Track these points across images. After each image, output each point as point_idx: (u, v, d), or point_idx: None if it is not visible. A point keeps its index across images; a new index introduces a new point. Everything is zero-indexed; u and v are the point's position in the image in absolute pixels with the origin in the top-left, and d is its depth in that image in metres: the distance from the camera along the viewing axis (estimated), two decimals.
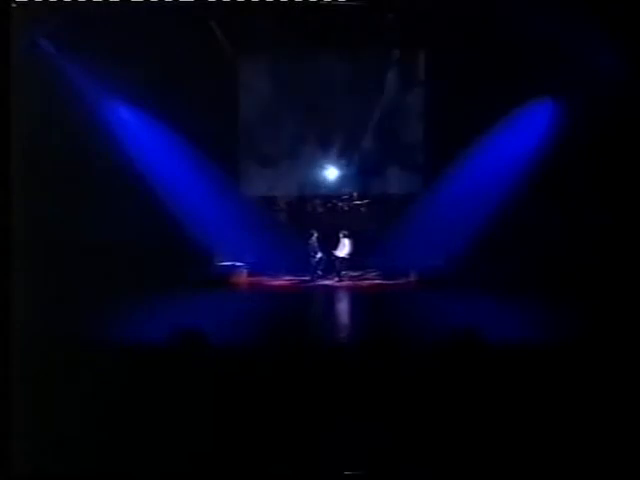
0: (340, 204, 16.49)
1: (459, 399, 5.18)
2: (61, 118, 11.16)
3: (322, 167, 16.27)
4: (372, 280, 14.97)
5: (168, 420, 5.07)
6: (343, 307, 13.20)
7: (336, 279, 14.69)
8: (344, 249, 14.65)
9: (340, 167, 16.25)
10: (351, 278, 14.90)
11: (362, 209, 16.45)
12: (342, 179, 16.30)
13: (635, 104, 10.46)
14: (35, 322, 5.99)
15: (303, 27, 13.13)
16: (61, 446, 4.89)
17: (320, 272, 14.79)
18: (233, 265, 14.74)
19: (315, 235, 14.81)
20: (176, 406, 5.14)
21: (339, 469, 4.82)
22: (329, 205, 16.54)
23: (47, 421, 5.04)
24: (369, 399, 5.23)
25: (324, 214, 16.43)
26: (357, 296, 13.65)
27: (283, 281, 14.82)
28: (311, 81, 15.70)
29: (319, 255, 14.72)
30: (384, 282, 14.74)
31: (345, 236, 14.70)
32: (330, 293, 13.92)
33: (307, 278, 14.73)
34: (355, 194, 16.37)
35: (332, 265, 14.79)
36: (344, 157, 16.19)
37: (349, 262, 14.80)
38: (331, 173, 16.29)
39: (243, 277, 14.69)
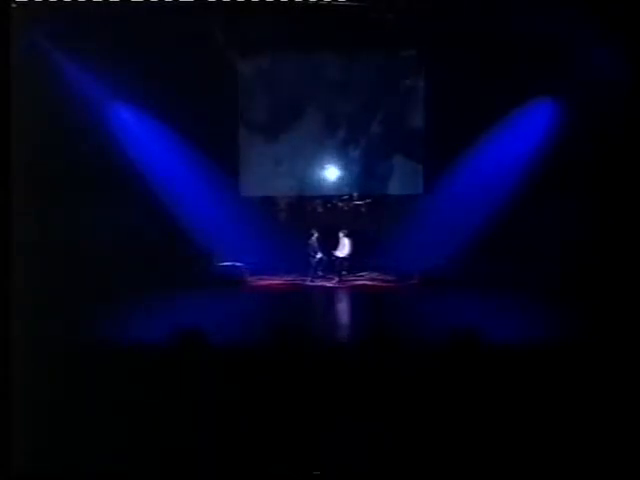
0: (340, 204, 16.47)
1: (459, 399, 5.18)
2: (61, 118, 11.17)
3: (322, 167, 16.26)
4: (372, 280, 14.96)
5: (168, 420, 5.07)
6: (343, 307, 13.20)
7: (336, 279, 14.68)
8: (344, 249, 14.64)
9: (340, 167, 16.24)
10: (351, 278, 14.88)
11: (362, 209, 16.43)
12: (342, 179, 16.28)
13: (635, 104, 10.46)
14: (35, 322, 5.99)
15: (303, 27, 13.13)
16: (61, 446, 4.89)
17: (320, 272, 14.78)
18: (233, 265, 14.73)
19: (315, 235, 14.81)
20: (176, 406, 5.14)
21: (339, 469, 4.82)
22: (329, 205, 16.52)
23: (47, 421, 5.04)
24: (369, 399, 5.23)
25: (324, 214, 16.41)
26: (357, 296, 13.64)
27: (283, 281, 14.81)
28: (311, 81, 15.69)
29: (319, 255, 14.71)
30: (384, 282, 14.73)
31: (345, 236, 14.69)
32: (330, 293, 13.92)
33: (307, 278, 14.73)
34: (355, 194, 16.36)
35: (332, 265, 14.78)
36: (344, 157, 16.19)
37: (349, 262, 14.79)
38: (331, 173, 16.29)
39: (243, 277, 14.68)
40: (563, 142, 12.30)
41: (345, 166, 16.21)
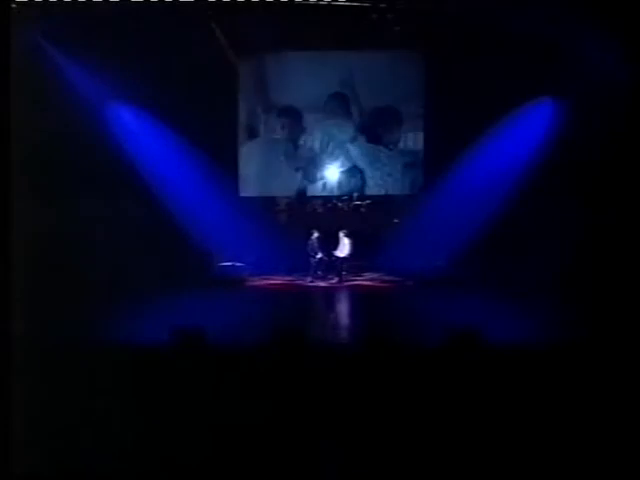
0: (340, 204, 16.46)
1: (459, 399, 5.18)
2: (61, 118, 11.17)
3: (322, 167, 16.25)
4: (372, 280, 14.96)
5: (168, 420, 5.08)
6: (343, 308, 13.20)
7: (336, 279, 14.67)
8: (344, 249, 14.64)
9: (340, 167, 16.23)
10: (351, 278, 14.88)
11: (362, 209, 16.43)
12: (342, 179, 16.28)
13: (635, 104, 10.47)
14: (35, 322, 5.99)
15: (303, 27, 13.15)
16: (61, 446, 4.89)
17: (320, 272, 14.77)
18: (233, 265, 14.73)
19: (315, 235, 14.80)
20: (176, 406, 5.15)
21: (338, 469, 4.82)
22: (329, 205, 16.51)
23: (47, 421, 5.04)
24: (369, 399, 5.23)
25: (324, 214, 16.40)
26: (357, 296, 13.64)
27: (283, 281, 14.81)
28: (311, 81, 15.69)
29: (319, 255, 14.71)
30: (384, 282, 14.73)
31: (345, 236, 14.69)
32: (330, 293, 13.92)
33: (307, 278, 14.72)
34: (355, 194, 16.36)
35: (332, 265, 14.77)
36: (344, 157, 16.18)
37: (349, 262, 14.79)
38: (331, 173, 16.28)
39: (243, 277, 14.68)
40: (563, 142, 12.30)
41: (345, 166, 16.20)
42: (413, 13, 12.66)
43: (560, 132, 12.64)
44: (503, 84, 12.61)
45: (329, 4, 11.59)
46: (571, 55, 11.67)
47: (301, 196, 16.38)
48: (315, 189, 16.32)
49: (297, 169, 16.18)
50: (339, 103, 15.90)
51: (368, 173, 16.15)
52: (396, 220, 16.00)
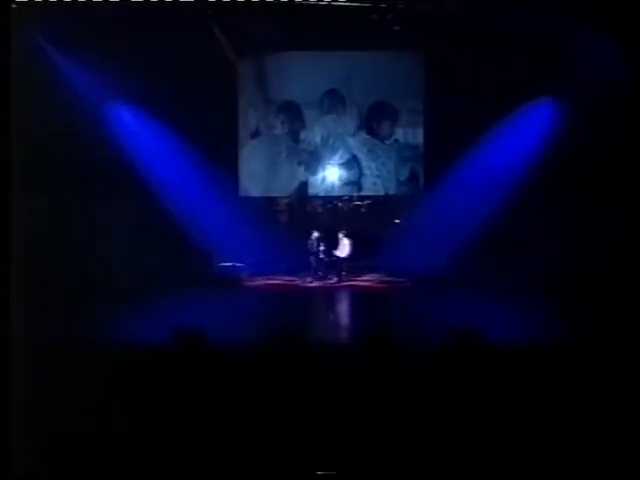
0: (340, 204, 16.46)
1: (460, 400, 5.18)
2: (61, 118, 11.17)
3: (322, 167, 16.25)
4: (372, 280, 14.95)
5: (168, 420, 5.08)
6: (343, 308, 13.20)
7: (336, 280, 14.67)
8: (344, 249, 14.64)
9: (340, 167, 16.23)
10: (351, 278, 14.88)
11: (362, 209, 16.42)
12: (342, 179, 16.28)
13: (635, 104, 10.47)
14: (35, 322, 5.99)
15: (303, 27, 13.15)
16: (61, 446, 4.89)
17: (320, 273, 14.77)
18: (233, 265, 14.73)
19: (315, 235, 14.80)
20: (175, 406, 5.15)
21: (337, 469, 4.82)
22: (329, 205, 16.50)
23: (47, 421, 5.04)
24: (368, 399, 5.23)
25: (324, 214, 16.39)
26: (357, 297, 13.64)
27: (283, 281, 14.80)
28: (311, 81, 15.69)
29: (319, 256, 14.70)
30: (384, 282, 14.72)
31: (345, 236, 14.69)
32: (330, 294, 13.91)
33: (307, 278, 14.72)
34: (355, 194, 16.36)
35: (332, 265, 14.77)
36: (344, 157, 16.18)
37: (349, 262, 14.79)
38: (331, 173, 16.28)
39: (243, 277, 14.68)
40: (563, 142, 12.30)
41: (345, 166, 16.20)
42: (413, 13, 12.65)
43: (560, 132, 12.64)
44: (503, 84, 12.61)
45: (329, 4, 11.60)
46: (571, 55, 11.68)
47: (303, 190, 16.30)
48: (316, 182, 16.26)
49: (299, 163, 16.17)
50: (335, 100, 15.91)
51: (364, 164, 16.11)
52: (396, 220, 15.99)
